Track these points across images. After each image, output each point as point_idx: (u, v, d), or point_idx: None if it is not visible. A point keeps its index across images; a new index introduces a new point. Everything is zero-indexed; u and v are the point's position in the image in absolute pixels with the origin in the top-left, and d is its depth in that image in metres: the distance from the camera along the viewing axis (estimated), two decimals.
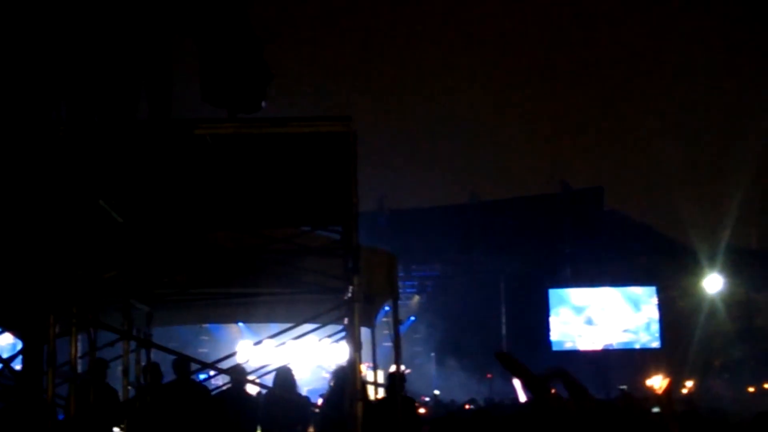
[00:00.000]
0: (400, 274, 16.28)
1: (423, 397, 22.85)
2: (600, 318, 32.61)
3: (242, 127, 6.95)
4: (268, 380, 10.30)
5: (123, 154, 6.88)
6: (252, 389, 10.78)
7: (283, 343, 9.47)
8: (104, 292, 8.49)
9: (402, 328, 26.90)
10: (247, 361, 12.34)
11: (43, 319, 6.24)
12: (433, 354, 31.51)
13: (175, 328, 15.14)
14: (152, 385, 9.78)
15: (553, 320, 32.68)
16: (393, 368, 10.78)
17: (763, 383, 28.32)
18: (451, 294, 31.75)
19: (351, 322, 7.83)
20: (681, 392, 25.09)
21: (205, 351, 25.76)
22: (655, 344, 31.65)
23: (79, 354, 7.74)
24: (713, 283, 31.51)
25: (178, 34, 7.34)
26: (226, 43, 7.30)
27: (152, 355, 10.21)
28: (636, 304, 32.58)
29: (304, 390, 13.68)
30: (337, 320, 8.93)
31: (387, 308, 14.03)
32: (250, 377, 10.05)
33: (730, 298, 31.71)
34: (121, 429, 9.34)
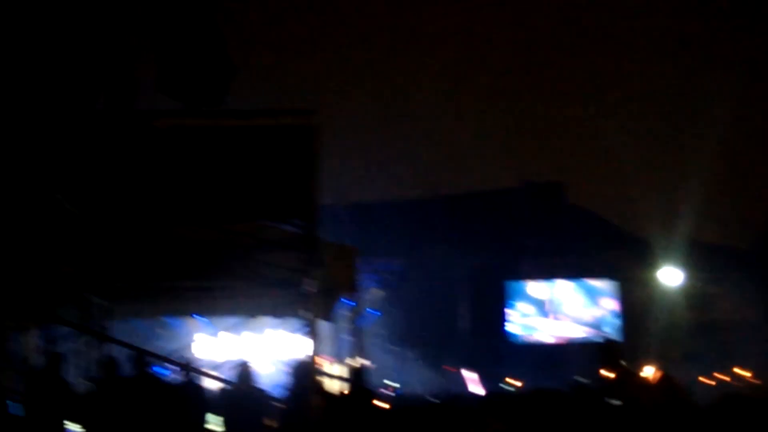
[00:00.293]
0: (363, 268, 16.27)
1: (389, 389, 22.86)
2: (559, 311, 32.90)
3: (204, 119, 6.89)
4: (228, 374, 10.26)
5: (80, 145, 6.79)
6: (212, 384, 10.74)
7: (242, 337, 9.44)
8: (61, 286, 8.39)
9: (365, 322, 26.87)
10: (205, 355, 12.29)
11: None
12: (394, 347, 31.58)
13: (134, 321, 15.00)
14: (108, 379, 9.68)
15: (512, 313, 32.89)
16: (355, 361, 10.80)
17: (719, 374, 28.74)
18: (413, 288, 31.79)
19: (310, 315, 7.81)
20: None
21: (164, 345, 25.55)
22: (615, 337, 31.95)
23: (35, 348, 7.66)
24: (672, 277, 31.86)
25: (136, 24, 7.26)
26: (184, 36, 7.23)
27: (114, 350, 10.10)
28: (595, 298, 32.90)
29: (264, 384, 13.64)
30: (296, 314, 8.91)
31: (349, 302, 14.02)
32: (208, 371, 10.00)
33: (687, 291, 32.10)
34: (74, 423, 9.24)
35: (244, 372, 10.06)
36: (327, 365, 13.89)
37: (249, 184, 7.93)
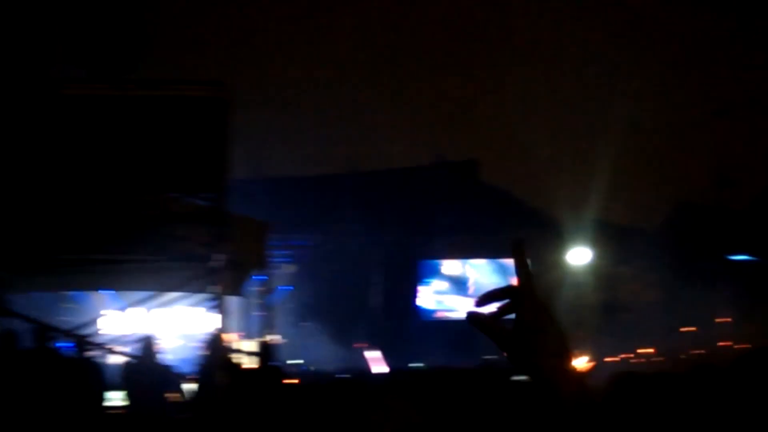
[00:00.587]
0: (275, 243, 16.15)
1: (301, 366, 22.81)
2: (472, 289, 33.27)
3: (111, 88, 6.73)
4: (132, 349, 10.09)
5: None
6: (117, 359, 10.55)
7: (151, 312, 9.28)
8: None
9: (277, 298, 26.70)
10: (112, 330, 12.06)
11: None
12: (305, 324, 31.54)
13: (36, 295, 14.62)
14: (5, 353, 9.42)
15: (424, 290, 33.13)
16: (264, 337, 10.73)
17: (622, 354, 29.47)
18: (326, 264, 31.75)
19: (218, 290, 7.71)
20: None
21: (70, 319, 25.00)
22: None
23: None
24: (580, 256, 32.51)
25: None
26: (95, 3, 7.03)
27: (14, 324, 9.82)
28: (507, 277, 33.36)
29: (171, 359, 13.47)
30: (204, 288, 8.80)
31: (260, 278, 13.90)
32: (111, 346, 9.82)
33: (595, 271, 32.78)
34: None
35: (147, 346, 9.90)
36: (236, 341, 13.77)
37: (157, 155, 7.78)
